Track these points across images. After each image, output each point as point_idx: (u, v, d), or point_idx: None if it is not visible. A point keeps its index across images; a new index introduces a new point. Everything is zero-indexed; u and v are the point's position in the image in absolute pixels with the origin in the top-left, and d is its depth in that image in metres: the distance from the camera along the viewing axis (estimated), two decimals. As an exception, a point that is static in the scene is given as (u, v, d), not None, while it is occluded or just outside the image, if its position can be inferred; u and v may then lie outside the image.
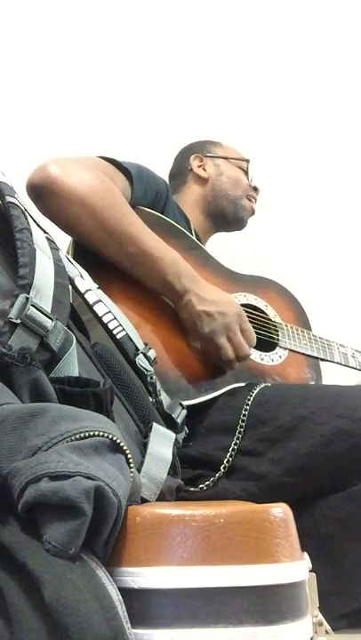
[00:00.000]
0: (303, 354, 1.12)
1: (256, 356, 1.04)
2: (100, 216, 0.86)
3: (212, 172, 1.26)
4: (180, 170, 1.30)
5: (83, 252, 0.89)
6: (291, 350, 1.10)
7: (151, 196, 1.06)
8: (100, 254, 0.89)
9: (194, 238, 1.12)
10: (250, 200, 1.27)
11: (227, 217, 1.25)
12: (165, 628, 0.33)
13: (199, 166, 1.26)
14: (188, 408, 0.76)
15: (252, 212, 1.28)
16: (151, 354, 0.70)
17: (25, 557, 0.31)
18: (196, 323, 0.91)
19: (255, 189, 1.28)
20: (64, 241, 0.90)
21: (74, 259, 0.87)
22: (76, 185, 0.84)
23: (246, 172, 1.27)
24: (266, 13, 1.94)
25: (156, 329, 0.91)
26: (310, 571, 0.40)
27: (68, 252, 0.90)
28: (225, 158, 1.27)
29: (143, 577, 0.34)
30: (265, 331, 1.08)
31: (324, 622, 0.40)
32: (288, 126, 1.87)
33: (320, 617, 0.40)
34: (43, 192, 0.83)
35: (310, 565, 0.40)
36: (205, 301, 0.91)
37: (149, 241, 0.89)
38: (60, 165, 0.84)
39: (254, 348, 1.04)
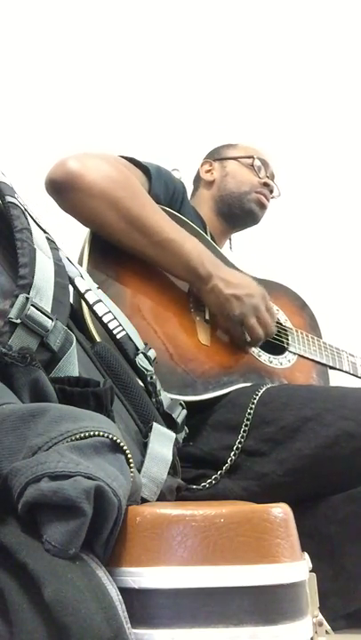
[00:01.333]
0: (312, 360, 1.12)
1: (265, 358, 1.04)
2: (122, 207, 0.86)
3: (218, 174, 1.27)
4: (196, 177, 1.33)
5: (99, 244, 0.89)
6: (300, 356, 1.10)
7: (169, 194, 1.06)
8: (121, 245, 0.90)
9: (209, 239, 1.12)
10: (258, 194, 1.24)
11: (235, 214, 1.24)
12: (165, 627, 0.33)
13: (207, 171, 1.28)
14: (194, 404, 0.76)
15: (262, 205, 1.24)
16: (151, 354, 0.70)
17: (25, 557, 0.31)
18: (225, 306, 0.94)
19: (266, 185, 1.25)
20: (65, 240, 0.90)
21: (90, 250, 0.88)
22: (96, 178, 0.85)
23: (255, 169, 1.25)
24: (272, 14, 1.93)
25: (168, 323, 0.92)
26: (310, 571, 0.40)
27: (84, 244, 0.91)
28: (233, 159, 1.27)
29: (143, 577, 0.34)
30: (275, 334, 1.08)
31: (325, 622, 0.40)
32: (291, 129, 1.87)
33: (320, 617, 0.40)
34: (63, 187, 0.84)
35: (310, 565, 0.40)
36: (232, 285, 0.94)
37: (171, 228, 0.91)
38: (79, 160, 0.85)
39: (264, 350, 1.04)
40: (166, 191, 1.06)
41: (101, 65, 1.73)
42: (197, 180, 1.31)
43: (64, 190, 0.84)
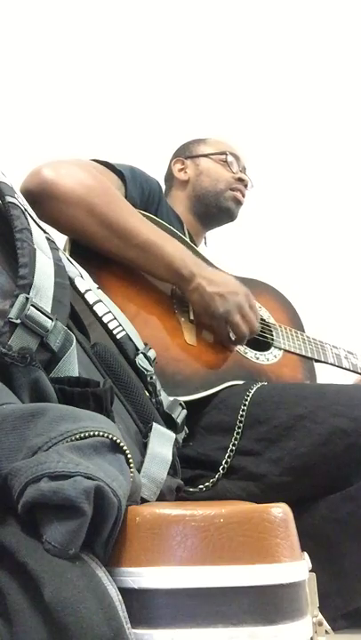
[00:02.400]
0: (297, 354, 1.13)
1: (252, 355, 1.04)
2: (100, 213, 0.86)
3: (192, 173, 1.26)
4: (167, 175, 1.32)
5: (80, 251, 0.89)
6: (285, 350, 1.11)
7: (145, 197, 1.06)
8: (102, 251, 0.90)
9: (187, 239, 1.12)
10: (233, 191, 1.23)
11: (212, 213, 1.24)
12: (165, 627, 0.33)
13: (180, 170, 1.27)
14: (185, 405, 0.76)
15: (237, 202, 1.24)
16: (151, 354, 0.70)
17: (25, 557, 0.31)
18: (209, 305, 0.94)
19: (240, 180, 1.24)
20: (63, 241, 0.90)
21: (71, 257, 0.88)
22: (72, 186, 0.84)
23: (228, 165, 1.24)
24: (265, 14, 1.93)
25: (153, 326, 0.92)
26: (310, 571, 0.40)
27: (64, 251, 0.90)
28: (205, 155, 1.26)
29: (143, 577, 0.34)
30: (260, 331, 1.08)
31: (324, 622, 0.40)
32: (286, 127, 1.87)
33: (320, 617, 0.40)
34: (39, 197, 0.83)
35: (310, 565, 0.40)
36: (215, 283, 0.95)
37: (150, 231, 0.91)
38: (54, 168, 0.84)
39: (250, 347, 1.04)
40: (142, 193, 1.06)
41: (100, 66, 1.73)
42: (170, 178, 1.30)
43: (40, 200, 0.83)
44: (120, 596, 0.32)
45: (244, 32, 1.90)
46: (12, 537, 0.33)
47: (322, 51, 1.94)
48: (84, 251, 0.89)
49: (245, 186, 1.26)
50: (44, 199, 0.83)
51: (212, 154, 1.26)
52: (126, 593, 0.33)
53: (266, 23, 1.93)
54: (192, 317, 0.98)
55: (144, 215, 0.97)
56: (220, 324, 0.97)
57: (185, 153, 1.30)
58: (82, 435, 0.36)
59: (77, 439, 0.36)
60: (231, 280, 0.99)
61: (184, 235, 1.14)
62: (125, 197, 0.98)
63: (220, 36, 1.88)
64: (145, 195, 1.07)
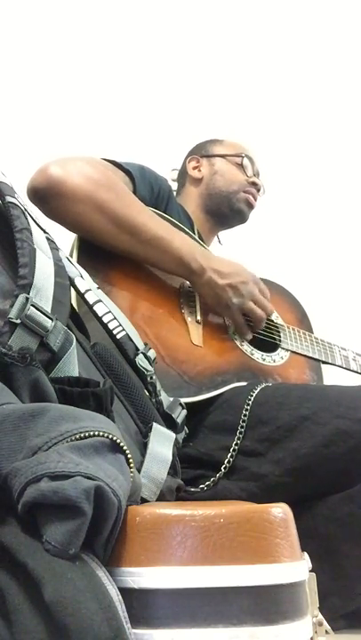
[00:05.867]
0: (305, 356, 1.12)
1: (258, 356, 1.04)
2: (108, 209, 0.86)
3: (206, 171, 1.26)
4: (181, 173, 1.32)
5: (87, 249, 0.89)
6: (292, 352, 1.10)
7: (154, 195, 1.06)
8: (110, 248, 0.90)
9: (197, 237, 1.12)
10: (246, 193, 1.24)
11: (224, 213, 1.24)
12: (165, 627, 0.33)
13: (194, 168, 1.28)
14: (189, 406, 0.76)
15: (250, 206, 1.25)
16: (151, 354, 0.70)
17: (25, 557, 0.31)
18: (222, 297, 0.97)
19: (254, 184, 1.25)
20: (64, 241, 0.90)
21: (78, 256, 0.88)
22: (79, 182, 0.84)
23: (243, 168, 1.25)
24: (266, 13, 1.94)
25: (160, 325, 0.92)
26: (310, 571, 0.40)
27: (72, 250, 0.90)
28: (221, 156, 1.27)
29: (143, 577, 0.34)
30: (267, 331, 1.08)
31: (324, 622, 0.40)
32: (289, 124, 1.87)
33: (320, 617, 0.40)
34: (47, 194, 0.83)
35: (310, 565, 0.40)
36: (225, 275, 0.97)
37: (159, 226, 0.92)
38: (61, 165, 0.84)
39: (256, 348, 1.04)
40: (151, 192, 1.06)
41: (100, 66, 1.73)
42: (183, 175, 1.30)
43: (48, 197, 0.83)
44: (120, 596, 0.32)
45: (249, 32, 1.90)
46: (12, 537, 0.33)
47: (327, 51, 1.94)
48: (91, 249, 0.89)
49: (258, 190, 1.27)
50: (51, 196, 0.83)
51: (229, 155, 1.26)
52: (126, 593, 0.33)
53: (271, 22, 1.93)
54: (199, 318, 0.99)
55: (153, 211, 0.97)
56: (235, 313, 0.99)
57: (200, 152, 1.30)
58: (82, 435, 0.36)
59: (77, 439, 0.36)
60: (238, 267, 1.00)
61: (194, 233, 1.14)
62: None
63: (226, 36, 1.88)
64: (154, 193, 1.07)
